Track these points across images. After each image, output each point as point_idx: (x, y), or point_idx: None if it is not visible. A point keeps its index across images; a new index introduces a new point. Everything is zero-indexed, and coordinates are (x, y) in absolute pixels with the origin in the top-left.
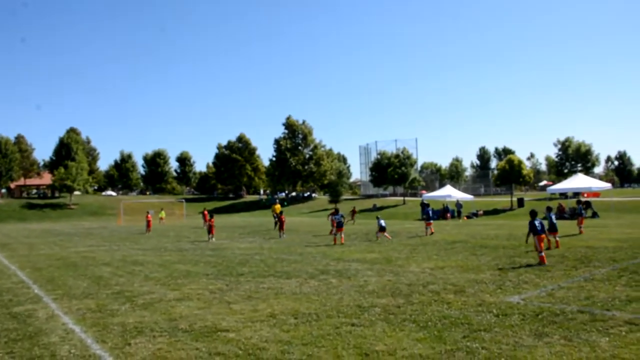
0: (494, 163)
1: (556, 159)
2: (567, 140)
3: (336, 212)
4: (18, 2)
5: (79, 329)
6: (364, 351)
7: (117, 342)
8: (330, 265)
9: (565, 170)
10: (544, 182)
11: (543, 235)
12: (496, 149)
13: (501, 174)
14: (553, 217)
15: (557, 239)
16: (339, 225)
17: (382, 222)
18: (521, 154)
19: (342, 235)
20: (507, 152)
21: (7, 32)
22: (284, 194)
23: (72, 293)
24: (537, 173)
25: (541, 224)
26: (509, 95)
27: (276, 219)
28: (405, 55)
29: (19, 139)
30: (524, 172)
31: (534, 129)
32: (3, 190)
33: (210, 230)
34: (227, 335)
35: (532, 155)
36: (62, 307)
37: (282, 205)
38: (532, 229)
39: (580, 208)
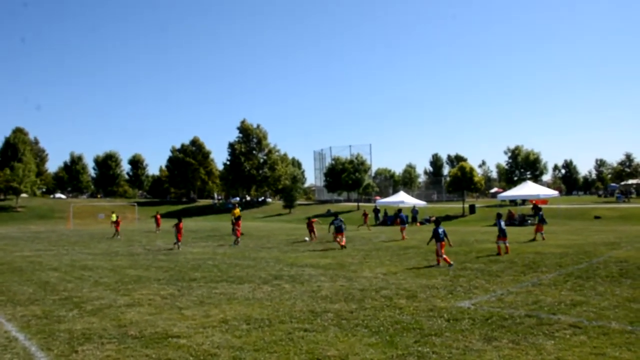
0: (446, 170)
1: (506, 167)
2: (517, 148)
3: (336, 216)
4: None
5: (23, 336)
6: (316, 356)
7: (64, 350)
8: (284, 271)
9: (515, 178)
10: (494, 189)
11: (444, 242)
12: (449, 156)
13: (453, 180)
14: (502, 223)
15: (507, 244)
16: (339, 230)
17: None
18: (473, 162)
19: (344, 239)
20: (459, 159)
21: None
22: (238, 198)
23: (16, 299)
24: (488, 180)
25: (444, 232)
26: (462, 104)
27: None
28: (360, 61)
29: None
30: (476, 179)
31: (486, 137)
32: None
33: (177, 235)
34: (178, 342)
35: (483, 163)
36: (6, 314)
37: None
38: (435, 235)
39: (541, 215)
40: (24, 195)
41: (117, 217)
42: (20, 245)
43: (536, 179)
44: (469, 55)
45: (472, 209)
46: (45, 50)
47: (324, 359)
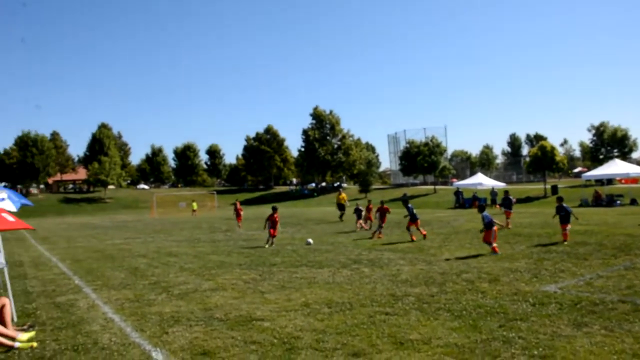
0: (525, 150)
1: (591, 145)
2: (602, 125)
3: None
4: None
5: (118, 318)
6: (399, 340)
7: (155, 331)
8: (363, 255)
9: (601, 156)
10: (578, 169)
11: (490, 231)
12: (527, 136)
13: (533, 160)
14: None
15: (567, 231)
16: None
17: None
18: (554, 140)
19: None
20: (539, 138)
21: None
22: (313, 184)
23: (110, 284)
24: (571, 159)
25: (491, 221)
26: (540, 80)
27: (342, 211)
28: (433, 42)
29: (54, 136)
30: (557, 158)
31: (567, 114)
32: (41, 186)
33: (271, 230)
34: (262, 324)
35: (565, 142)
36: (102, 297)
37: (312, 196)
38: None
39: None
40: (110, 187)
41: (238, 205)
42: (110, 233)
43: (625, 156)
44: (546, 28)
45: (555, 189)
46: (121, 50)
47: (406, 343)
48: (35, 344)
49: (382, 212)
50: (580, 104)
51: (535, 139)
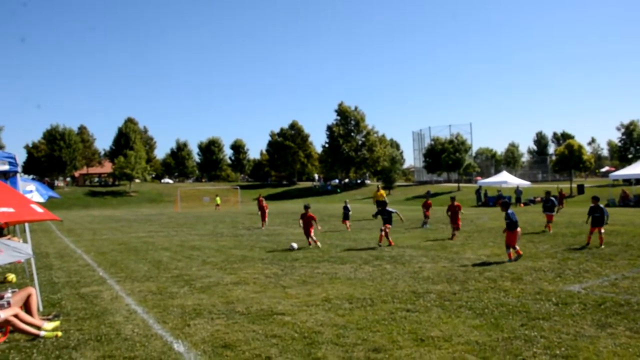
0: (551, 149)
1: (619, 144)
2: (632, 123)
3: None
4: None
5: (141, 309)
6: (420, 336)
7: (177, 323)
8: (385, 252)
9: (630, 156)
10: (606, 168)
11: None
12: (554, 134)
13: (560, 159)
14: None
15: (601, 232)
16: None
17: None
18: (581, 139)
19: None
20: (566, 137)
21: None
22: (337, 180)
23: (134, 276)
24: (599, 159)
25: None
26: (569, 78)
27: (380, 207)
28: (459, 39)
29: (82, 130)
30: (585, 157)
31: (596, 112)
32: (68, 179)
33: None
34: (283, 319)
35: (593, 140)
36: (125, 289)
37: (335, 192)
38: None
39: None
40: (135, 180)
41: (262, 202)
42: (134, 227)
43: None
44: (576, 25)
45: (581, 189)
46: (148, 46)
47: (427, 340)
48: (60, 334)
49: (453, 210)
50: (609, 102)
51: (562, 138)
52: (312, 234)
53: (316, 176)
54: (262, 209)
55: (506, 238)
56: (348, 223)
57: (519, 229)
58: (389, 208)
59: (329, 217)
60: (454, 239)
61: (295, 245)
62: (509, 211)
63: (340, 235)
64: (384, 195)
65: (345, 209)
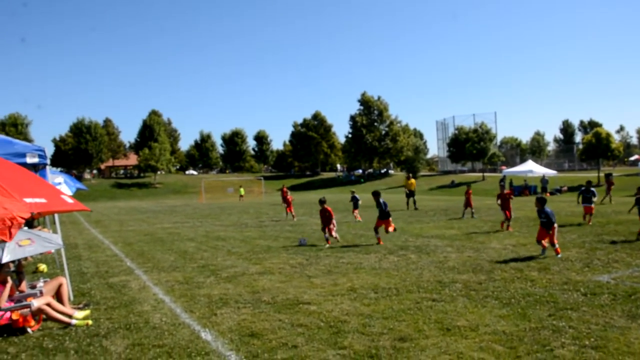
0: (578, 137)
1: None
2: None
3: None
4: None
5: (169, 299)
6: (446, 326)
7: (204, 312)
8: (409, 241)
9: None
10: (634, 157)
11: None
12: (581, 122)
13: (587, 148)
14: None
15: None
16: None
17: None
18: (609, 127)
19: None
20: (593, 125)
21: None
22: (360, 170)
23: (160, 266)
24: (627, 147)
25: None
26: (596, 64)
27: (411, 197)
28: (482, 26)
29: (107, 123)
30: (613, 145)
31: (624, 99)
32: (94, 171)
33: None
34: (309, 308)
35: (621, 128)
36: (152, 278)
37: (359, 182)
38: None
39: None
40: (160, 172)
41: (287, 193)
42: (159, 218)
43: None
44: (602, 11)
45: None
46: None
47: (453, 329)
48: (90, 322)
49: (504, 198)
50: (639, 89)
51: (590, 126)
52: (333, 231)
53: (338, 166)
54: (286, 200)
55: (540, 234)
56: (356, 212)
57: (555, 225)
58: (382, 199)
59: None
60: (510, 229)
61: (304, 239)
62: (547, 209)
63: (364, 225)
64: (414, 184)
65: (354, 198)
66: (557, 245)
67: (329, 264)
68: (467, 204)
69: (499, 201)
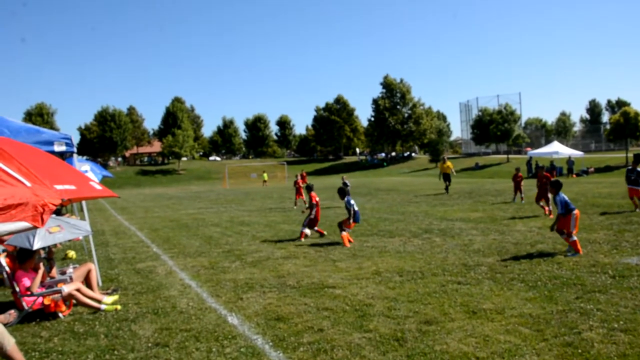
0: (605, 117)
1: None
2: None
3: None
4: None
5: (195, 284)
6: (471, 309)
7: (230, 297)
8: (434, 224)
9: None
10: None
11: (564, 217)
12: (609, 102)
13: (615, 128)
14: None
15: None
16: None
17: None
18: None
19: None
20: (621, 104)
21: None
22: (383, 154)
23: (186, 251)
24: None
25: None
26: (623, 41)
27: (448, 182)
28: (506, 6)
29: (131, 110)
30: None
31: None
32: (119, 159)
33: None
34: (334, 292)
35: None
36: (179, 264)
37: (382, 166)
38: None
39: None
40: (184, 158)
41: (300, 181)
42: (184, 204)
43: None
44: None
45: (637, 158)
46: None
47: (479, 312)
48: (119, 307)
49: (542, 181)
50: None
51: (618, 105)
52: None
53: (357, 150)
54: (297, 188)
55: (559, 223)
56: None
57: (577, 211)
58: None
59: (376, 191)
60: (551, 215)
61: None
62: (560, 197)
63: (388, 208)
64: (452, 167)
65: (344, 185)
66: (574, 237)
67: (354, 247)
68: (517, 187)
69: (538, 183)
